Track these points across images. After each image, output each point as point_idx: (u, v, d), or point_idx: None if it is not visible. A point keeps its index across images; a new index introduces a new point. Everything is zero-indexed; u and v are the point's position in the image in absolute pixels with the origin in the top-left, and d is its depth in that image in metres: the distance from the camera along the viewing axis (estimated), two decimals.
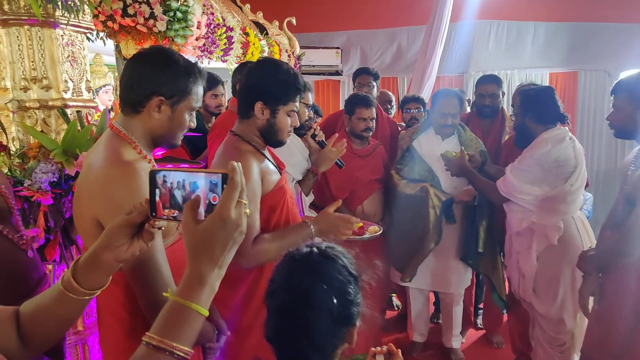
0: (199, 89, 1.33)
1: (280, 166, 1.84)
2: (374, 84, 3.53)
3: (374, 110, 2.92)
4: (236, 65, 3.52)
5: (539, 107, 2.46)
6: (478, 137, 3.02)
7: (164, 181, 0.79)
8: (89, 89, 2.15)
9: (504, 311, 3.11)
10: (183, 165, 2.04)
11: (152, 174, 0.79)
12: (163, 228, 0.91)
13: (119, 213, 0.88)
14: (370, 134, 2.95)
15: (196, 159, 2.64)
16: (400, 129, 3.77)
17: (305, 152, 2.51)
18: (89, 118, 2.10)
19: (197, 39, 2.97)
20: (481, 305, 3.58)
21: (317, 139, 2.47)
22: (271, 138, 1.74)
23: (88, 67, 2.16)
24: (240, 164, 0.75)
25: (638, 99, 1.86)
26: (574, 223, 2.38)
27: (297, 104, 1.74)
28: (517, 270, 2.51)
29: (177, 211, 0.79)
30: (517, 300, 2.67)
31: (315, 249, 1.05)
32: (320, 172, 2.42)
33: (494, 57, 5.98)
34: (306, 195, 2.36)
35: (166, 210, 0.79)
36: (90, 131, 1.90)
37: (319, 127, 2.53)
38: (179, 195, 0.78)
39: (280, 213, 1.75)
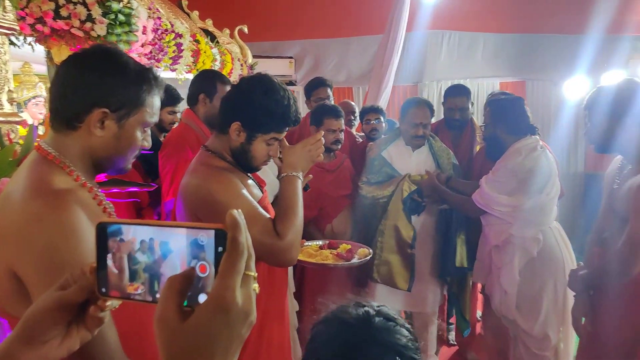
0: (154, 100, 1.07)
1: (261, 184, 1.66)
2: (331, 95, 3.36)
3: (343, 121, 2.74)
4: (187, 75, 3.25)
5: (510, 118, 2.40)
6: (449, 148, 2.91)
7: (121, 239, 0.52)
8: (11, 101, 1.84)
9: (465, 333, 3.00)
10: (132, 190, 1.77)
11: (101, 228, 0.53)
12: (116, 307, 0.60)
13: (44, 266, 0.62)
14: (340, 146, 2.77)
15: (152, 181, 2.34)
16: (360, 140, 3.62)
17: (276, 170, 2.29)
18: (12, 135, 1.78)
19: (142, 46, 2.69)
20: (452, 320, 3.46)
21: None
22: (241, 162, 1.54)
23: (10, 74, 1.86)
24: (241, 212, 0.49)
25: (617, 111, 1.77)
26: (552, 234, 2.32)
27: (282, 134, 1.54)
28: (498, 287, 2.39)
29: (141, 286, 0.52)
30: (494, 317, 2.56)
31: (371, 310, 0.82)
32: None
33: (446, 67, 5.99)
34: None
35: (124, 285, 0.53)
36: (13, 152, 1.60)
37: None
38: (143, 261, 0.51)
39: None
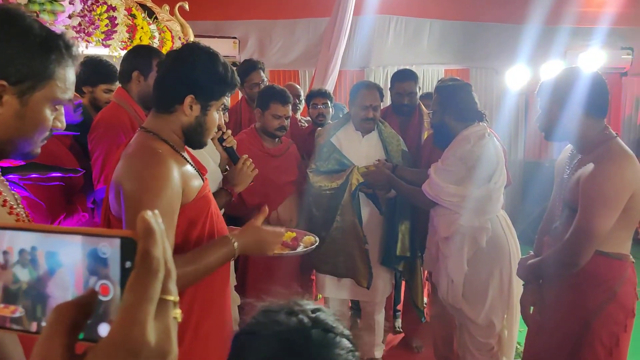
0: (67, 73, 0.92)
1: (201, 170, 1.52)
2: (264, 77, 3.25)
3: (290, 107, 2.63)
4: (122, 52, 3.03)
5: (459, 105, 2.36)
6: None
7: None
8: None
9: (422, 319, 3.01)
10: (55, 175, 1.59)
11: None
12: None
13: None
14: (284, 133, 2.66)
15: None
16: (306, 124, 3.53)
17: (216, 156, 2.15)
18: None
19: (70, 17, 2.46)
20: (399, 308, 3.47)
21: (225, 144, 2.11)
22: (195, 138, 1.45)
23: None
24: (158, 215, 0.38)
25: (561, 98, 1.76)
26: (498, 222, 2.32)
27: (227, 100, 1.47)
28: (445, 276, 2.38)
29: (19, 310, 0.39)
30: (440, 305, 2.56)
31: (305, 319, 0.72)
32: (236, 193, 2.08)
33: (393, 52, 5.99)
34: None
35: None
36: None
37: (230, 132, 2.17)
38: (24, 277, 0.39)
39: (203, 227, 1.43)
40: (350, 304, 3.21)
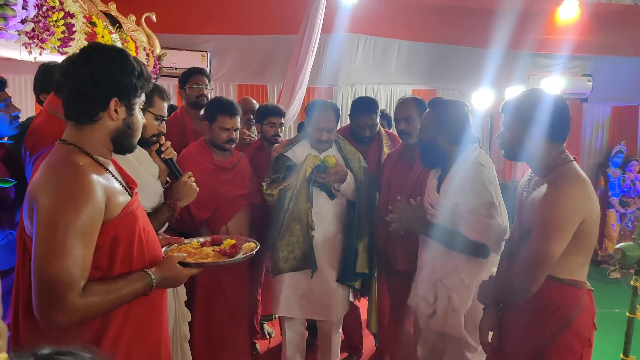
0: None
1: (130, 184, 1.44)
2: (208, 83, 3.21)
3: (239, 119, 2.59)
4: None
5: (456, 126, 2.21)
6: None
7: None
8: None
9: (376, 343, 2.96)
10: None
11: None
12: None
13: None
14: (233, 146, 2.62)
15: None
16: (254, 139, 3.45)
17: (154, 169, 2.07)
18: None
19: (22, 22, 2.39)
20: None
21: (164, 156, 2.04)
22: (125, 142, 1.39)
23: None
24: None
25: (523, 118, 1.75)
26: None
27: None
28: (444, 305, 2.21)
29: None
30: (399, 324, 2.52)
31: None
32: (180, 207, 2.01)
33: (361, 71, 6.03)
34: (156, 231, 1.93)
35: None
36: None
37: (168, 143, 2.09)
38: None
39: (130, 245, 1.35)
40: (307, 324, 3.16)
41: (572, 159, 1.74)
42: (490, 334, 1.88)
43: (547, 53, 6.20)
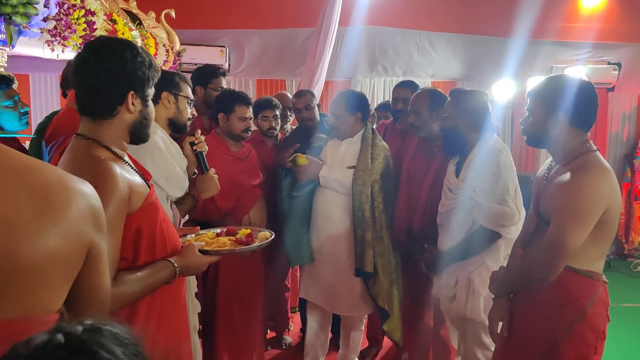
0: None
1: (146, 176, 1.46)
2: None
3: (251, 109, 2.66)
4: None
5: (477, 114, 2.28)
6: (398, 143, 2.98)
7: None
8: None
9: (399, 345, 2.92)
10: None
11: None
12: None
13: None
14: (249, 135, 2.66)
15: None
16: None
17: (183, 162, 2.10)
18: None
19: (45, 20, 2.45)
20: None
21: (195, 148, 2.09)
22: (142, 132, 1.42)
23: None
24: None
25: (549, 103, 1.71)
26: None
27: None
28: (465, 289, 2.26)
29: None
30: (419, 316, 2.52)
31: (58, 337, 0.60)
32: (202, 199, 2.05)
33: (380, 64, 5.98)
34: (181, 218, 1.97)
35: None
36: None
37: (203, 137, 2.14)
38: None
39: (153, 237, 1.38)
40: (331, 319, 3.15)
41: (596, 148, 1.70)
42: (500, 324, 1.86)
43: (570, 41, 6.04)
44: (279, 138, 3.25)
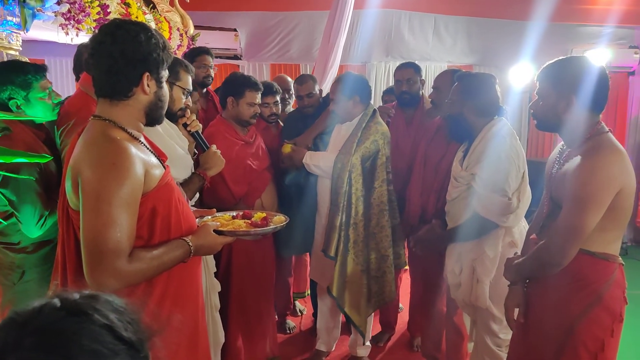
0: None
1: (161, 157, 1.49)
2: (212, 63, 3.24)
3: (260, 95, 2.65)
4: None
5: (483, 98, 2.23)
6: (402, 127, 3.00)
7: None
8: None
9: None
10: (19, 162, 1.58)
11: None
12: None
13: None
14: (255, 122, 2.68)
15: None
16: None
17: (184, 143, 2.12)
18: None
19: (59, 4, 2.45)
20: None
21: (190, 129, 2.09)
22: (157, 114, 1.45)
23: None
24: None
25: (559, 86, 1.67)
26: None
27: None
28: (470, 277, 2.26)
29: None
30: (432, 302, 2.52)
31: (55, 302, 0.62)
32: (209, 176, 2.05)
33: (395, 48, 5.91)
34: (189, 200, 1.97)
35: None
36: None
37: (193, 116, 2.14)
38: None
39: (168, 216, 1.41)
40: None
41: (608, 130, 1.66)
42: (516, 311, 1.84)
43: (590, 24, 5.90)
44: (280, 123, 3.25)
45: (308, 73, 5.51)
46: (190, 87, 2.09)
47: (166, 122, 1.98)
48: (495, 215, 2.16)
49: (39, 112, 2.00)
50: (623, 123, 6.19)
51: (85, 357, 0.58)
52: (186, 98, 2.08)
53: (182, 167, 2.01)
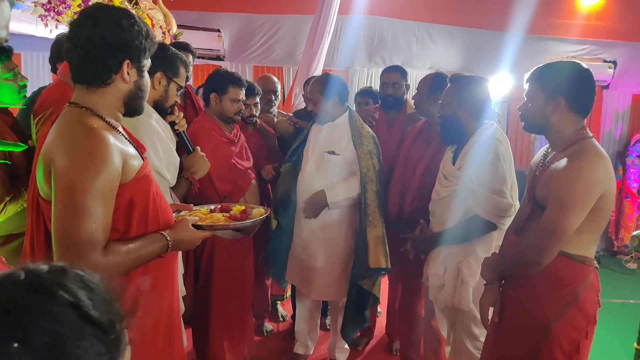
0: None
1: (140, 149, 1.44)
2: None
3: (244, 92, 2.63)
4: None
5: (477, 100, 2.25)
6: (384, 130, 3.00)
7: None
8: None
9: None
10: None
11: None
12: None
13: None
14: (239, 118, 2.66)
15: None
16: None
17: (173, 142, 2.05)
18: None
19: None
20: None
21: (177, 128, 2.03)
22: (136, 104, 1.39)
23: None
24: None
25: (548, 88, 1.70)
26: None
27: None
28: (454, 278, 2.26)
29: None
30: (410, 306, 2.52)
31: (19, 275, 0.57)
32: (197, 180, 2.02)
33: (378, 54, 5.95)
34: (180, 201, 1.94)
35: None
36: None
37: (181, 114, 2.08)
38: None
39: (146, 209, 1.37)
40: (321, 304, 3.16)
41: (592, 135, 1.71)
42: (491, 310, 1.86)
43: (568, 38, 6.05)
44: (259, 123, 3.17)
45: (292, 76, 5.53)
46: (184, 84, 2.04)
47: (163, 123, 1.93)
48: (497, 216, 2.18)
49: (5, 94, 1.94)
50: (597, 136, 6.29)
51: (42, 338, 0.53)
52: (179, 94, 2.03)
53: (173, 168, 1.95)
